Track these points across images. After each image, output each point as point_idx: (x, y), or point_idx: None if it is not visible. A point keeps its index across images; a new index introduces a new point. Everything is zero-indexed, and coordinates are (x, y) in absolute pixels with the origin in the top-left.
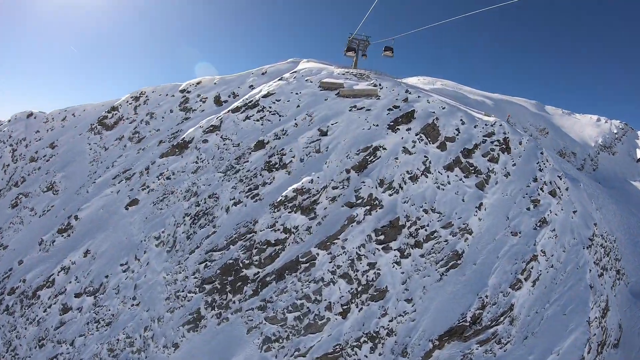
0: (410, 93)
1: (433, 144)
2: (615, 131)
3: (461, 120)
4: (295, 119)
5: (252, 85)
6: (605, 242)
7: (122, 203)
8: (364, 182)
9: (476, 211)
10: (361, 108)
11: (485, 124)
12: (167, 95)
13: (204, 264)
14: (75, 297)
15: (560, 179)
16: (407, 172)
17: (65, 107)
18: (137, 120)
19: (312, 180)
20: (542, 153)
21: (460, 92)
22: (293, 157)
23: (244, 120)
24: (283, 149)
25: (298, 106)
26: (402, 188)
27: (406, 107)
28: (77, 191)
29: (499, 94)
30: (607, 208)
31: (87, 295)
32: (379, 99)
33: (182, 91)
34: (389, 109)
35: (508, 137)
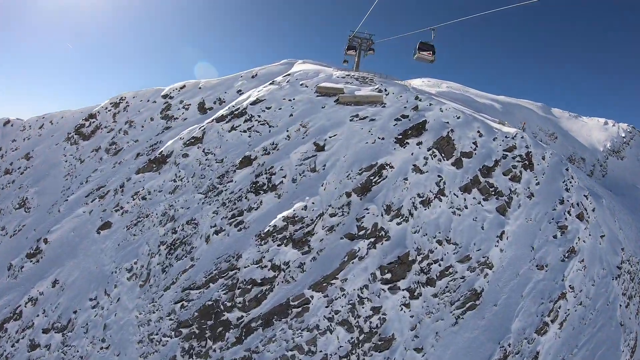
0: (420, 100)
1: (447, 160)
2: (623, 135)
3: (478, 131)
4: (287, 130)
5: (240, 90)
6: (631, 266)
7: (94, 226)
8: (367, 209)
9: (497, 241)
10: (364, 118)
11: (505, 136)
12: (148, 101)
13: (180, 303)
14: (43, 332)
15: (587, 198)
16: (418, 195)
17: (44, 113)
18: (116, 129)
19: (305, 206)
20: (567, 169)
21: (467, 95)
22: (284, 177)
23: (229, 132)
24: (272, 167)
25: (291, 115)
26: (412, 215)
27: (416, 117)
28: (49, 209)
29: (504, 96)
30: (623, 221)
31: (55, 332)
32: (384, 106)
33: (164, 96)
34: (397, 119)
35: (531, 152)
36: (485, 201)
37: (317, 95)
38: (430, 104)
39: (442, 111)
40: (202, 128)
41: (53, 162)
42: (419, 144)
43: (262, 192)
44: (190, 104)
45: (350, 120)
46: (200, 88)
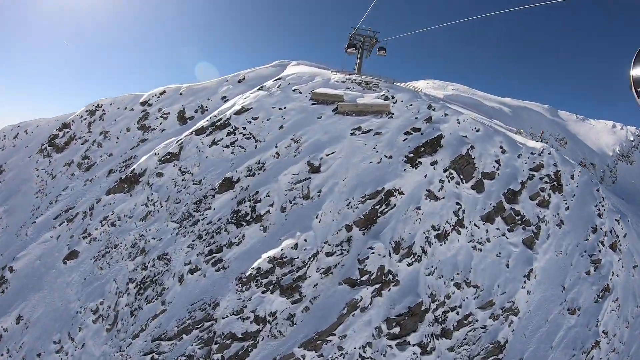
0: (434, 109)
1: (466, 182)
2: (631, 138)
3: (501, 147)
4: (276, 146)
5: (225, 97)
6: None
7: (61, 254)
8: (371, 248)
9: (524, 281)
10: (368, 131)
11: (531, 153)
12: (125, 108)
13: (150, 355)
14: None
15: (618, 223)
16: (433, 227)
17: (20, 122)
18: (90, 140)
19: (296, 244)
20: (598, 190)
21: (475, 98)
22: (271, 205)
23: (209, 147)
24: (257, 193)
25: (281, 127)
26: (425, 253)
27: (430, 131)
28: (17, 231)
29: (509, 98)
30: None
31: None
32: (392, 117)
33: (142, 104)
34: (407, 133)
35: (559, 170)
36: (511, 232)
37: (313, 103)
38: (446, 115)
39: (459, 123)
40: (180, 142)
41: (25, 177)
42: (434, 163)
43: (244, 223)
44: (169, 113)
45: (352, 134)
46: (181, 94)
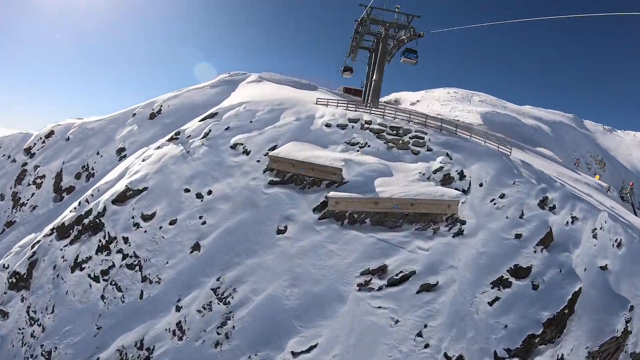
0: (552, 208)
1: None
2: None
3: None
4: (178, 307)
5: (123, 149)
6: None
7: None
8: None
9: None
10: (403, 279)
11: None
12: (9, 157)
13: None
14: None
15: None
16: None
17: None
18: None
19: None
20: None
21: (512, 116)
22: None
23: (71, 271)
24: None
25: (196, 247)
26: None
27: (555, 277)
28: None
29: (529, 106)
30: None
31: None
32: (462, 232)
33: (26, 151)
34: (499, 283)
35: None
36: None
37: (271, 182)
38: (574, 219)
39: (595, 237)
40: (34, 250)
41: None
42: None
43: None
44: (44, 177)
45: (362, 286)
46: (68, 139)
